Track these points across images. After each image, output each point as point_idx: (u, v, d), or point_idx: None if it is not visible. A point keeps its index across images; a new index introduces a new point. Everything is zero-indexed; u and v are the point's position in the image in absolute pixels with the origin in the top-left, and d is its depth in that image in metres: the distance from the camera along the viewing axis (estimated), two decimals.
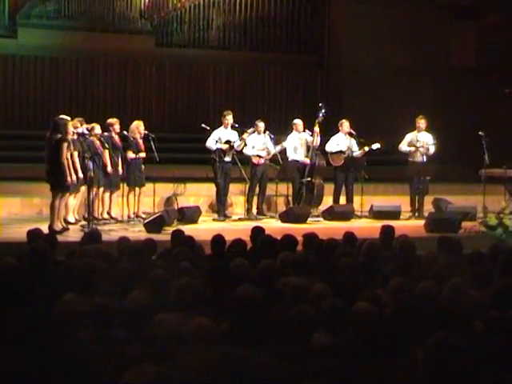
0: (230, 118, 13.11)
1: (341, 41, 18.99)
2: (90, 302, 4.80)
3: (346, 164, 13.61)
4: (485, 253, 7.06)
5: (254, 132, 13.27)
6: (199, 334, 4.09)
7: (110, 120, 12.51)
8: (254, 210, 13.32)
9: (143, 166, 12.53)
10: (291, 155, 13.59)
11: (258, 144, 13.35)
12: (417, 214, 13.68)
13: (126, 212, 12.41)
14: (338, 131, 13.85)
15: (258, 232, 8.10)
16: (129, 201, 12.42)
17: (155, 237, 8.72)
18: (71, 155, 11.04)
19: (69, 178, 10.74)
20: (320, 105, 13.62)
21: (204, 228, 11.90)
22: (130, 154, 12.40)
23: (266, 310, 4.71)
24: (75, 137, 11.41)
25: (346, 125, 13.76)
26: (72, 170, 10.92)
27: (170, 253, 6.96)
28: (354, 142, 13.77)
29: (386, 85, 18.01)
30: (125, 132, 12.47)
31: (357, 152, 13.69)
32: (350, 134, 13.77)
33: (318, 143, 13.52)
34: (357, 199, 13.55)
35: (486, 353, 4.11)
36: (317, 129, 13.38)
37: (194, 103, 18.09)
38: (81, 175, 11.21)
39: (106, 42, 17.41)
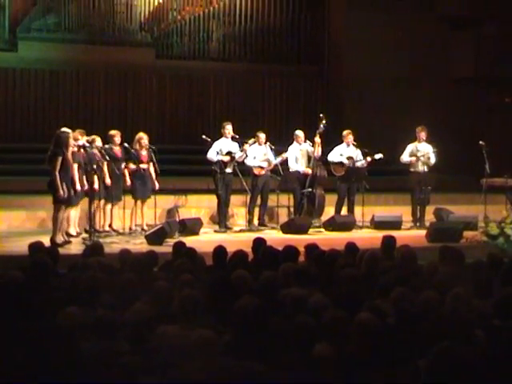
0: (229, 128, 13.11)
1: (341, 51, 19.01)
2: (93, 315, 4.80)
3: (348, 174, 13.60)
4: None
5: (254, 143, 13.28)
6: (201, 345, 4.09)
7: (110, 132, 12.55)
8: (256, 221, 13.31)
9: (154, 178, 12.49)
10: (292, 166, 13.60)
11: (259, 155, 13.36)
12: (418, 224, 13.65)
13: (128, 224, 12.41)
14: (341, 142, 13.84)
15: (259, 243, 8.09)
16: (132, 212, 12.41)
17: (157, 249, 8.72)
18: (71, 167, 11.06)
19: (61, 191, 10.72)
20: (321, 115, 13.63)
21: (205, 239, 11.88)
22: (131, 166, 12.41)
23: (267, 321, 4.71)
24: (76, 149, 11.42)
25: (350, 136, 13.73)
26: (69, 183, 10.95)
27: (172, 265, 6.94)
28: (358, 152, 13.75)
29: (385, 94, 18.04)
30: (125, 144, 12.48)
31: (361, 161, 13.68)
32: (354, 145, 13.76)
33: (319, 154, 13.54)
34: (358, 210, 13.53)
35: (489, 362, 4.10)
36: (318, 139, 13.41)
37: (195, 115, 18.11)
38: (79, 188, 11.23)
39: (106, 55, 17.44)
